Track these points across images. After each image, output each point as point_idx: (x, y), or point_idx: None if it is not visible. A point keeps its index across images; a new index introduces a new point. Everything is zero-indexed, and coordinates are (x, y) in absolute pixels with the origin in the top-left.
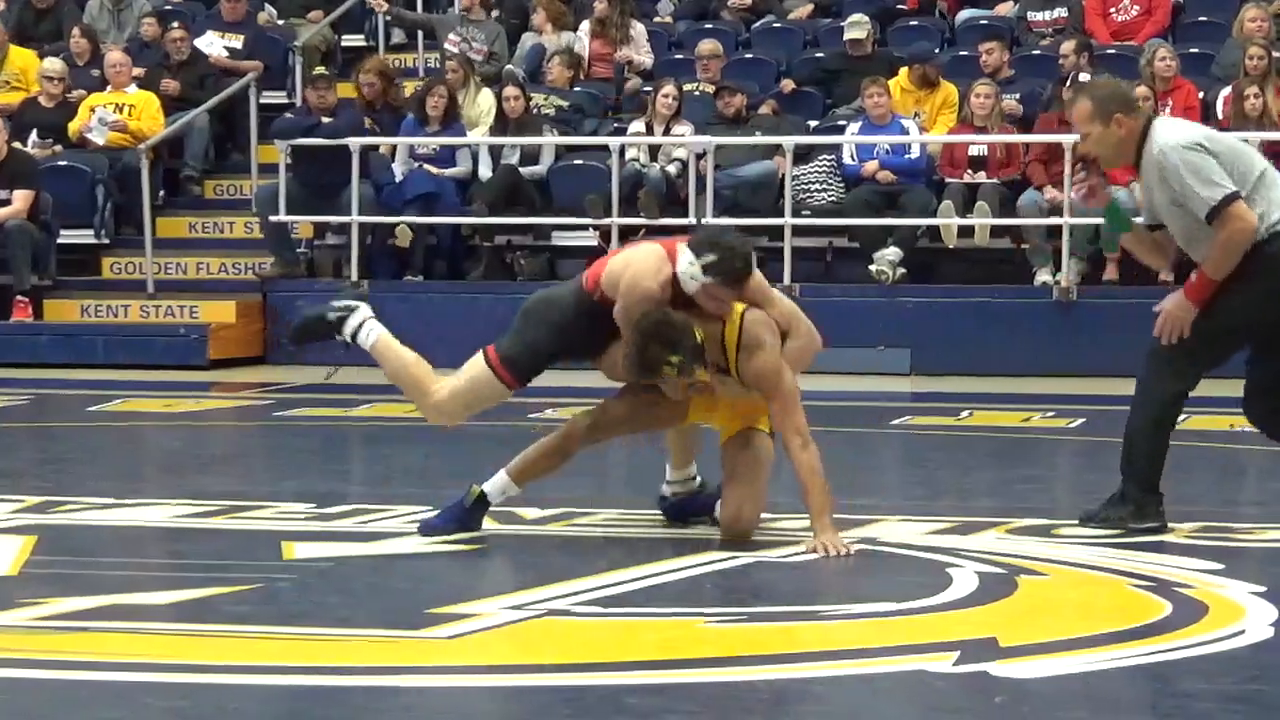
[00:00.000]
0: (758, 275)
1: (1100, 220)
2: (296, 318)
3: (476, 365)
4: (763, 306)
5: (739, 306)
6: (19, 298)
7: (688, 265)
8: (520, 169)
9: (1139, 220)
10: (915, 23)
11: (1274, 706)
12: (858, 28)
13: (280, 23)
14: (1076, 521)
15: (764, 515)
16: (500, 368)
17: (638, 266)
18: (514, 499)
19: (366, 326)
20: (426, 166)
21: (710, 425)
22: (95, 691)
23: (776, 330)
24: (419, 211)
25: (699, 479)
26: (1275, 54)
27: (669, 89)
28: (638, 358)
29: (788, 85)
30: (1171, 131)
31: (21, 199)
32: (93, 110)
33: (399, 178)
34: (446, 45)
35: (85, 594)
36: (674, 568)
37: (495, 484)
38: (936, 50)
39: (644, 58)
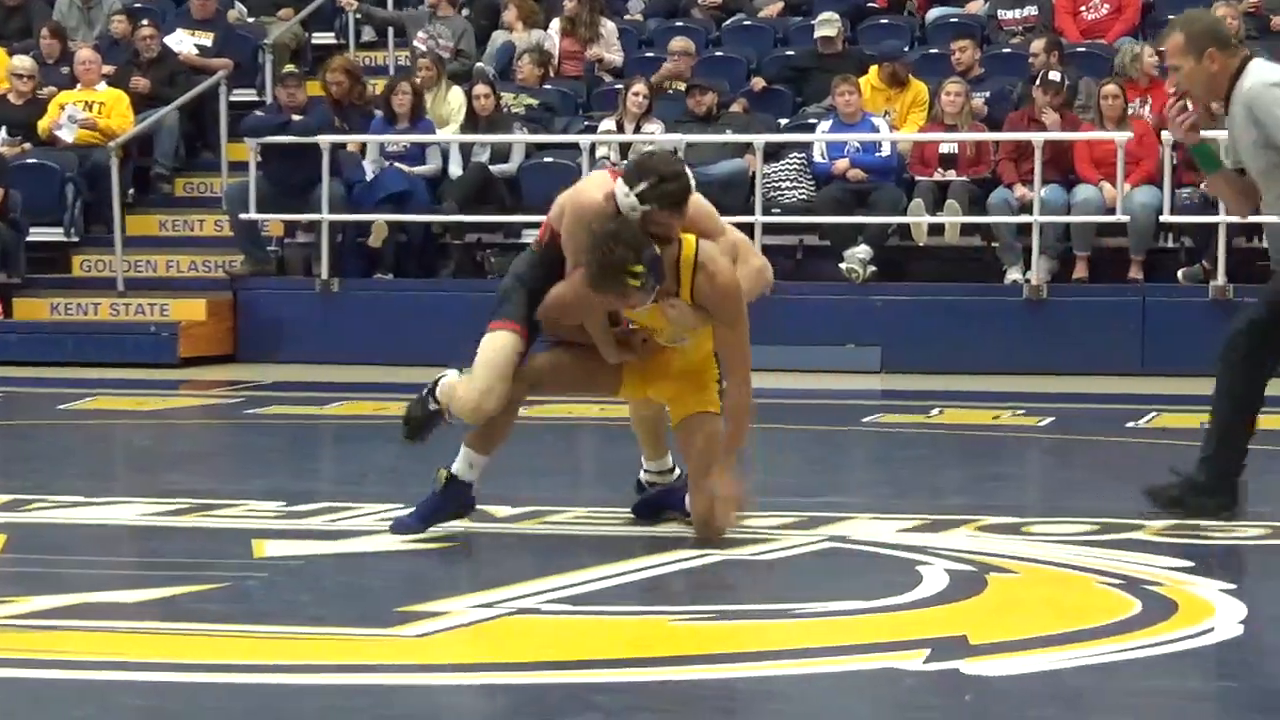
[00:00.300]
0: (705, 205)
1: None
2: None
3: (485, 340)
4: (711, 236)
5: (689, 235)
6: None
7: (624, 196)
8: (490, 167)
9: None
10: (886, 21)
11: (1243, 704)
12: (828, 25)
13: (250, 20)
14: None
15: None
16: (504, 324)
17: (579, 187)
18: (486, 482)
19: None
20: (398, 165)
21: (654, 399)
22: (65, 690)
23: (729, 258)
24: (391, 210)
25: (676, 470)
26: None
27: (639, 87)
28: (601, 260)
29: (758, 83)
30: (1266, 71)
31: None
32: (62, 108)
33: (369, 176)
34: (415, 43)
35: (55, 593)
36: (644, 565)
37: (461, 460)
38: (907, 49)
39: (614, 56)
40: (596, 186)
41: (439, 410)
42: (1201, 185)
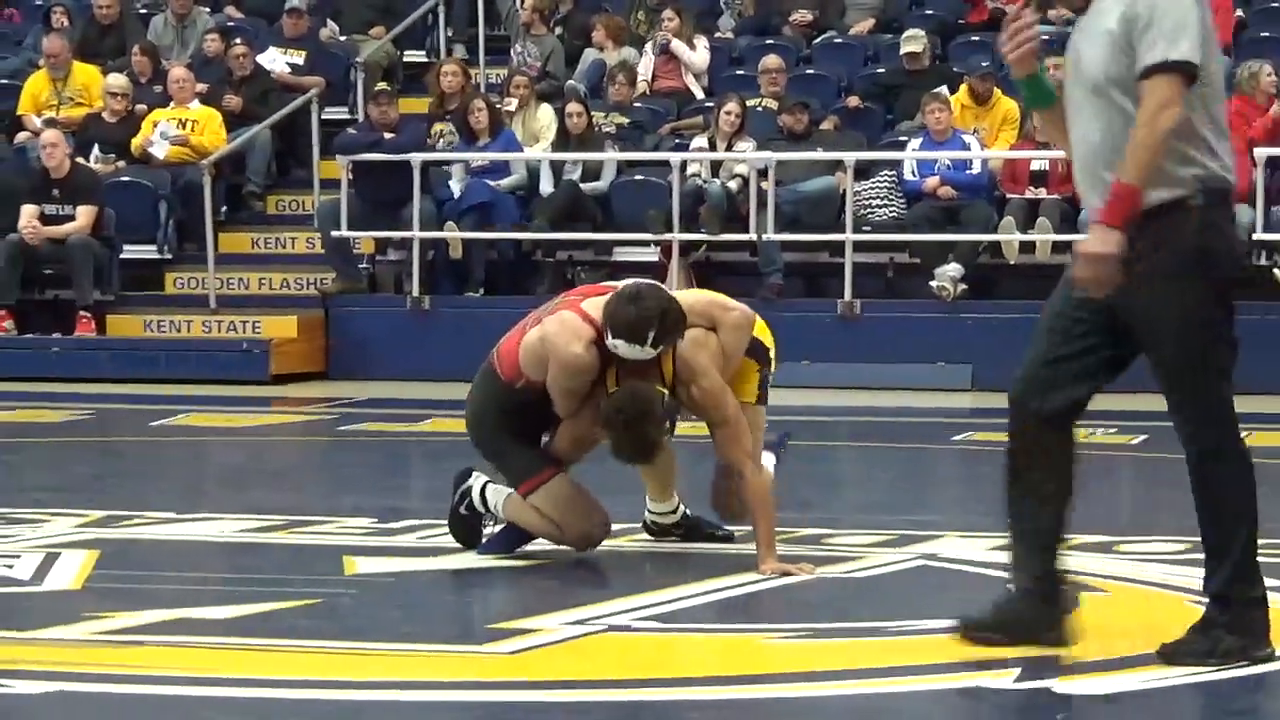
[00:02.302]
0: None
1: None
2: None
3: (540, 501)
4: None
5: None
6: (82, 313)
7: (638, 351)
8: (582, 185)
9: None
10: (976, 38)
11: None
12: (914, 42)
13: (342, 39)
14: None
15: (815, 532)
16: (536, 480)
17: (554, 341)
18: None
19: (489, 489)
20: (483, 180)
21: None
22: (156, 706)
23: (711, 350)
24: (476, 220)
25: (682, 508)
26: None
27: (732, 105)
28: (638, 442)
29: (853, 101)
30: None
31: (85, 215)
32: (155, 125)
33: (456, 194)
34: (513, 58)
35: (147, 608)
36: (734, 584)
37: None
38: (993, 65)
39: (698, 58)
40: (574, 338)
41: (484, 514)
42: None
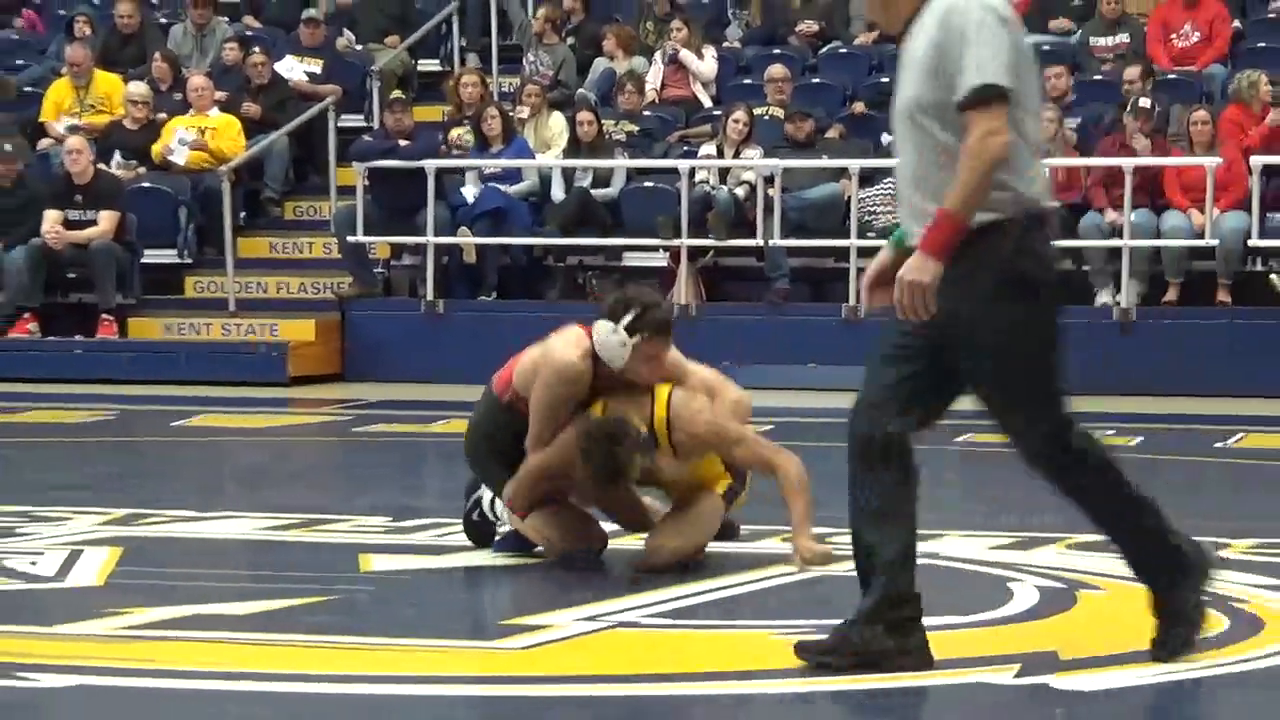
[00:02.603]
0: (673, 350)
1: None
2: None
3: (538, 525)
4: (682, 378)
5: (662, 387)
6: (104, 316)
7: (610, 333)
8: (592, 191)
9: None
10: None
11: None
12: None
13: (358, 48)
14: None
15: (820, 531)
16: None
17: (551, 344)
18: None
19: (498, 500)
20: (495, 186)
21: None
22: (176, 699)
23: (702, 402)
24: (489, 226)
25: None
26: None
27: (739, 114)
28: (608, 466)
29: (858, 107)
30: None
31: (107, 219)
32: (175, 133)
33: (470, 200)
34: (525, 66)
35: (168, 604)
36: (742, 581)
37: None
38: None
39: (706, 67)
40: (571, 345)
41: (493, 520)
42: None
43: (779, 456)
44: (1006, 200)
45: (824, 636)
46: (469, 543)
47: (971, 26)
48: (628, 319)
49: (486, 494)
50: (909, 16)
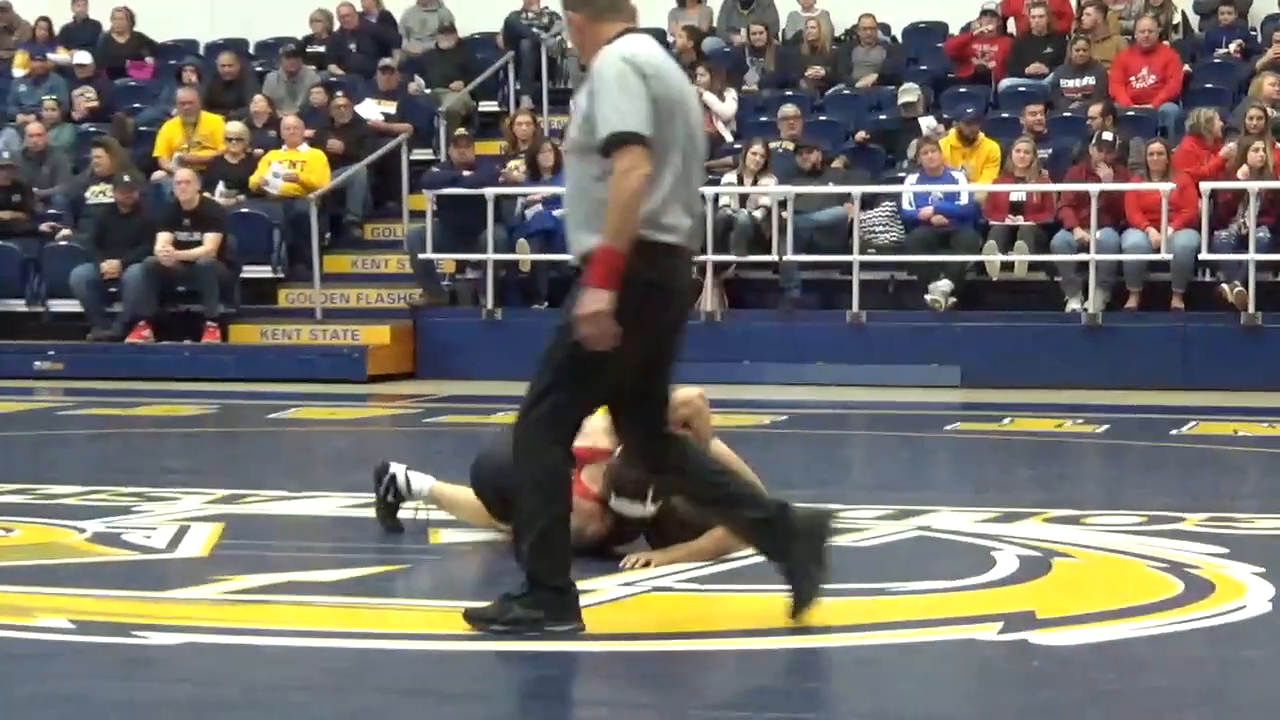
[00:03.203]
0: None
1: None
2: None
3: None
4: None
5: None
6: (209, 323)
7: (643, 510)
8: None
9: None
10: (964, 90)
11: (1270, 670)
12: (909, 93)
13: (427, 91)
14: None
15: (834, 505)
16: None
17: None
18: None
19: (412, 478)
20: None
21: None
22: (272, 655)
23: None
24: (540, 243)
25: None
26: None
27: (757, 147)
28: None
29: (860, 136)
30: (627, 44)
31: (211, 240)
32: (270, 165)
33: (527, 218)
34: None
35: (265, 572)
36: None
37: None
38: (974, 111)
39: (726, 107)
40: (588, 520)
41: (400, 501)
42: None
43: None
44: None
45: (488, 604)
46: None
47: (612, 78)
48: (650, 494)
49: (400, 470)
50: (587, 62)
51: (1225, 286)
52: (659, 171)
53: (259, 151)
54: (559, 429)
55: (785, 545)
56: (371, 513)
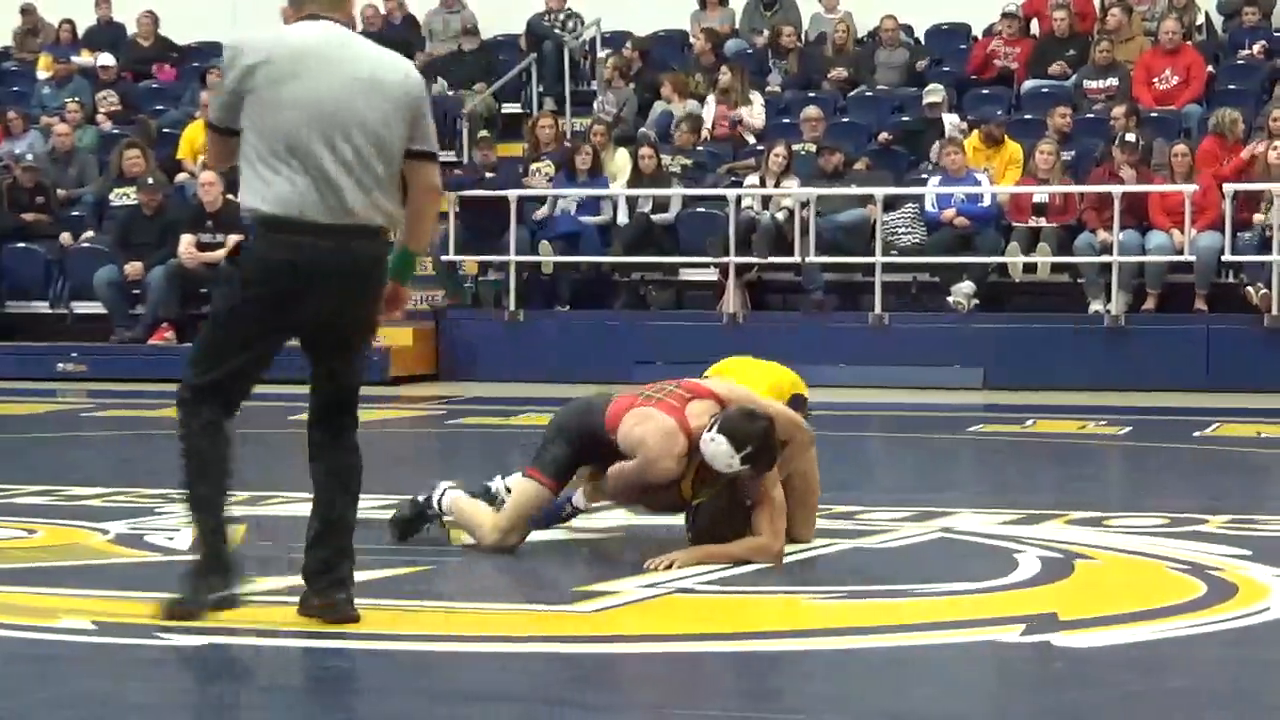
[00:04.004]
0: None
1: None
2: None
3: (518, 486)
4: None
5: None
6: None
7: (727, 456)
8: (652, 216)
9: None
10: (986, 91)
11: None
12: (934, 94)
13: (450, 93)
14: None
15: (856, 507)
16: (538, 475)
17: (654, 445)
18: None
19: (446, 494)
20: (572, 214)
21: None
22: (293, 655)
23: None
24: (563, 245)
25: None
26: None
27: (779, 149)
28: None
29: (884, 137)
30: (262, 31)
31: (234, 242)
32: None
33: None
34: (595, 107)
35: (286, 574)
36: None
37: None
38: (1002, 113)
39: (756, 120)
40: (669, 455)
41: (433, 515)
42: None
43: (776, 536)
44: (249, 209)
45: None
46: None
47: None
48: (747, 451)
49: (450, 492)
50: None
51: (1250, 289)
52: (265, 154)
53: None
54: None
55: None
56: (391, 514)
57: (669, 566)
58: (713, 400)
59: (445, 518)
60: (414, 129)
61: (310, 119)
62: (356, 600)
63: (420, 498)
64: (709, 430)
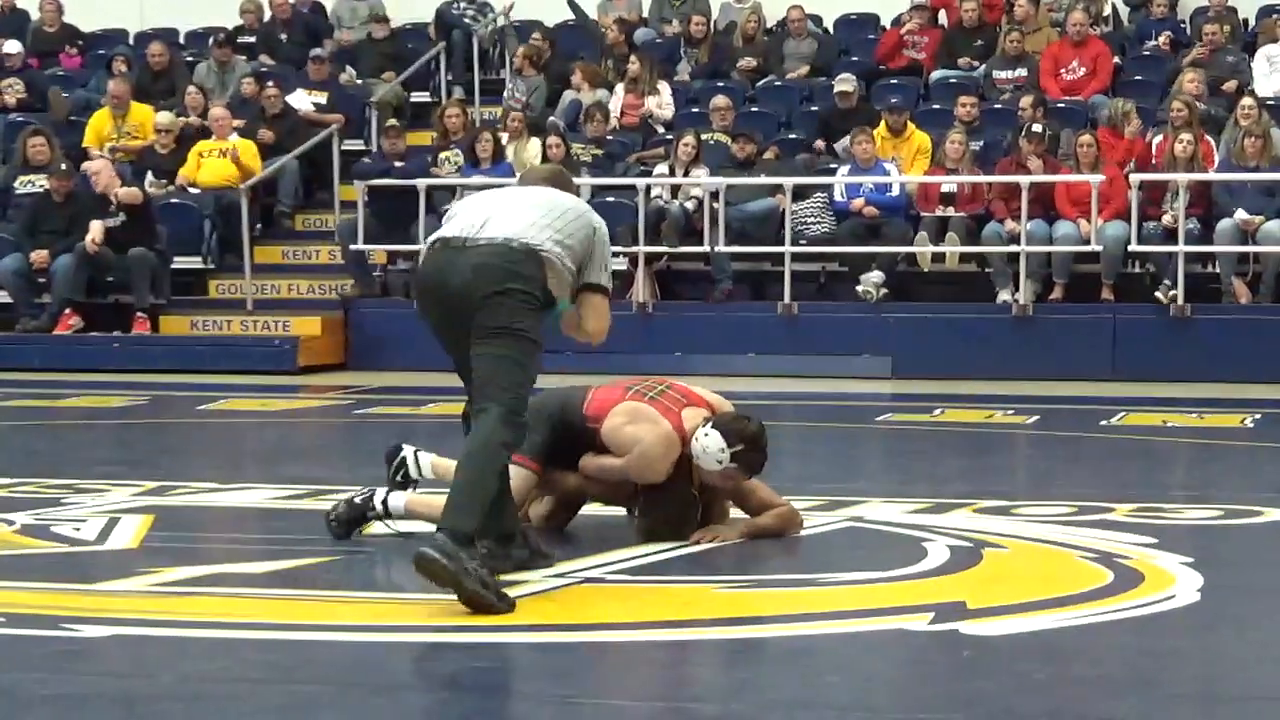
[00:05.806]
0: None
1: None
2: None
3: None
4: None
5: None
6: (139, 314)
7: (718, 451)
8: None
9: None
10: (895, 81)
11: (1199, 659)
12: (845, 83)
13: (359, 82)
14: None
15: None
16: (522, 459)
17: (647, 447)
18: None
19: (421, 457)
20: None
21: None
22: (203, 646)
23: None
24: None
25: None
26: (1202, 106)
27: (689, 138)
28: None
29: (794, 136)
30: None
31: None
32: (201, 155)
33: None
34: (505, 96)
35: (194, 564)
36: (691, 543)
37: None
38: (907, 103)
39: (665, 111)
40: (662, 459)
41: (374, 517)
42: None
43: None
44: None
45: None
46: None
47: None
48: (736, 449)
49: (409, 452)
50: None
51: (1159, 292)
52: None
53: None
54: None
55: None
56: (301, 505)
57: (713, 539)
58: (705, 409)
59: (396, 521)
60: None
61: None
62: (259, 591)
63: (358, 499)
64: (702, 427)
